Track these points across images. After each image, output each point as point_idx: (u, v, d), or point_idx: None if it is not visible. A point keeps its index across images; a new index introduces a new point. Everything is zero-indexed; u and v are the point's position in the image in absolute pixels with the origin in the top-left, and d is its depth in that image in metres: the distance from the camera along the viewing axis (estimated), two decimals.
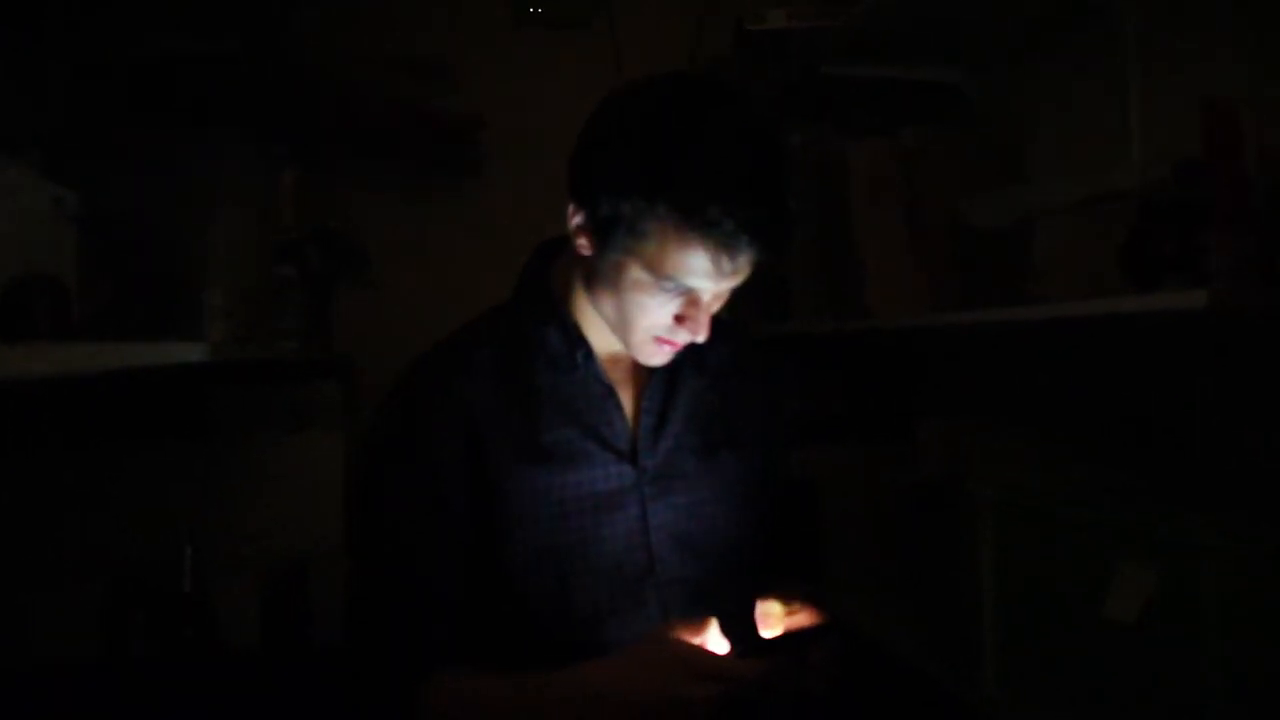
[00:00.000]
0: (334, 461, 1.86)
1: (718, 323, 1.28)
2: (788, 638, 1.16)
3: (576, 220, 1.18)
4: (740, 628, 1.16)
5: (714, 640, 1.09)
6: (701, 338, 1.19)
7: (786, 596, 1.20)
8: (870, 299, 1.95)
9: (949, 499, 1.61)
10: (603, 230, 1.15)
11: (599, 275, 1.20)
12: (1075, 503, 1.41)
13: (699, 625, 1.09)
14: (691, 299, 1.17)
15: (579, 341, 1.27)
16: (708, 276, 1.13)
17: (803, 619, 1.18)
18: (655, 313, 1.18)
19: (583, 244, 1.20)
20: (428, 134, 2.40)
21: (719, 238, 1.09)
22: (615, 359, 1.30)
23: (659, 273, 1.13)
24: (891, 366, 2.47)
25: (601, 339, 1.28)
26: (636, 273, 1.15)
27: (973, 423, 1.75)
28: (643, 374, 1.31)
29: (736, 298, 1.25)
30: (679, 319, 1.18)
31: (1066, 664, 1.40)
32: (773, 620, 1.18)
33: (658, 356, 1.24)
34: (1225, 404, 1.53)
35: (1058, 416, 1.88)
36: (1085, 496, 1.43)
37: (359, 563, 1.24)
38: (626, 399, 1.29)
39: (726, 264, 1.11)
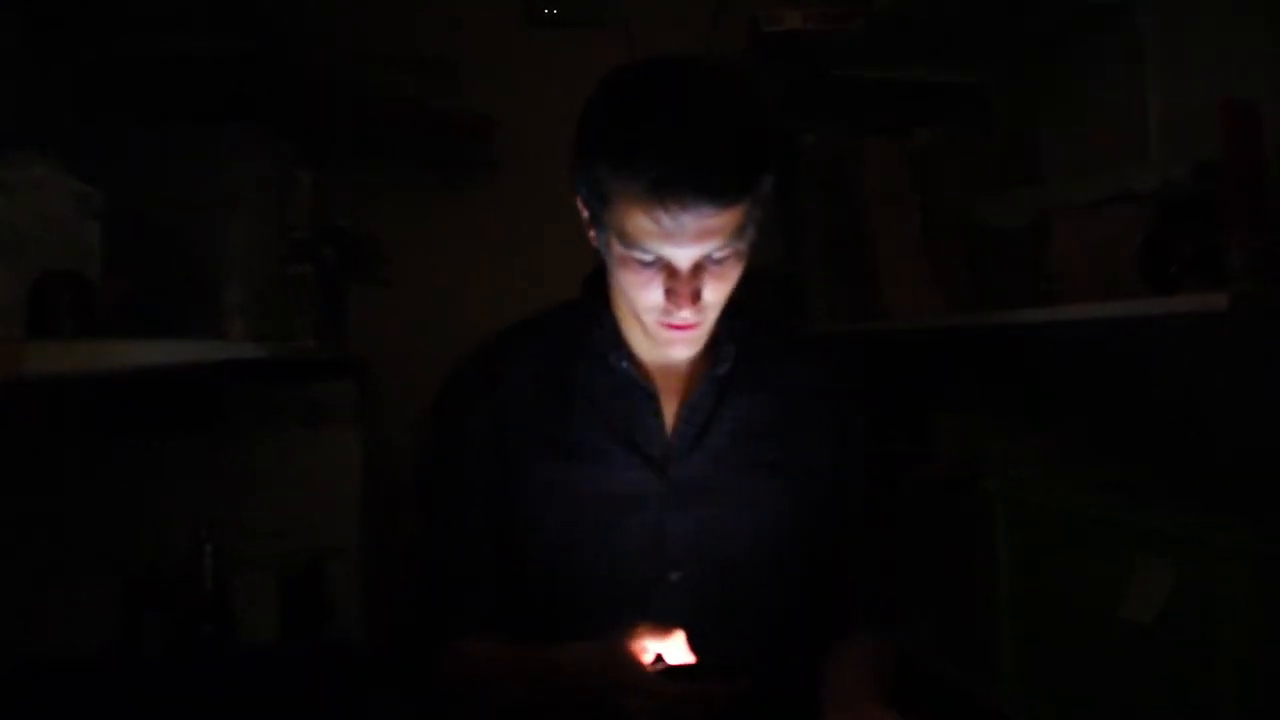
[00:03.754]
0: (350, 459, 1.86)
1: (795, 338, 1.34)
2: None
3: (583, 216, 1.20)
4: (720, 652, 1.10)
5: (675, 651, 1.08)
6: (686, 315, 1.15)
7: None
8: (885, 300, 1.95)
9: (965, 497, 1.62)
10: (589, 214, 1.17)
11: (607, 265, 1.21)
12: (1092, 501, 1.42)
13: (665, 632, 1.08)
14: (670, 271, 1.13)
15: (616, 342, 1.26)
16: (662, 236, 1.09)
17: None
18: (645, 291, 1.15)
19: (591, 237, 1.20)
20: (440, 134, 2.40)
21: (653, 188, 1.06)
22: (666, 367, 1.27)
23: (625, 241, 1.12)
24: (909, 365, 2.47)
25: (651, 343, 1.25)
26: (616, 248, 1.14)
27: (990, 422, 1.75)
28: (693, 384, 1.27)
29: (749, 298, 1.24)
30: (668, 294, 1.14)
31: (1082, 662, 1.40)
32: None
33: (678, 347, 1.21)
34: (1242, 404, 1.53)
35: (1075, 416, 1.88)
36: (1102, 496, 1.43)
37: (416, 539, 1.32)
38: (670, 407, 1.26)
39: (666, 219, 1.07)
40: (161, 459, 1.77)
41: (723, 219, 1.09)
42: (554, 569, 1.24)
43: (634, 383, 1.26)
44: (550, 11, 2.54)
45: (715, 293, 1.15)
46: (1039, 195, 1.72)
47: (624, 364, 1.25)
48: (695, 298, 1.13)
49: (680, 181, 1.06)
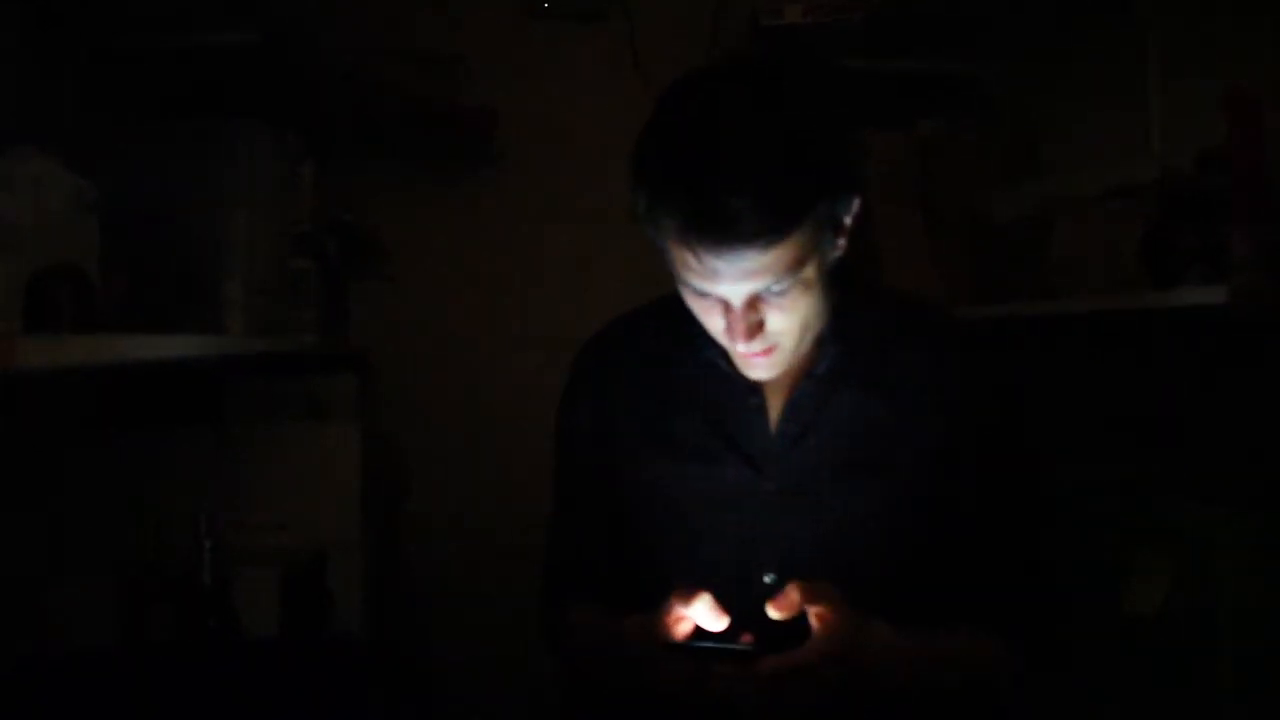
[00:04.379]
0: (351, 453, 1.85)
1: (914, 324, 1.23)
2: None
3: None
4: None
5: (705, 615, 1.05)
6: (742, 348, 1.09)
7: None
8: None
9: None
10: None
11: None
12: (1093, 496, 1.41)
13: (690, 597, 1.04)
14: (724, 304, 1.06)
15: (710, 341, 1.17)
16: (703, 276, 1.03)
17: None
18: (708, 318, 1.10)
19: None
20: (442, 128, 2.40)
21: (683, 232, 1.00)
22: None
23: (676, 274, 1.07)
24: None
25: None
26: (676, 277, 1.09)
27: None
28: (798, 382, 1.19)
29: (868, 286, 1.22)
30: (727, 327, 1.08)
31: (1083, 655, 1.40)
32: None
33: (756, 370, 1.15)
34: (1242, 398, 1.53)
35: (1077, 410, 1.88)
36: (1102, 491, 1.43)
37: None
38: (776, 405, 1.19)
39: (697, 263, 1.01)
40: (161, 454, 1.77)
41: (766, 258, 1.01)
42: (652, 563, 1.24)
43: (738, 380, 1.19)
44: (551, 3, 2.53)
45: (783, 321, 1.08)
46: (1041, 188, 1.71)
47: (721, 360, 1.19)
48: (754, 330, 1.06)
49: (708, 227, 0.99)
